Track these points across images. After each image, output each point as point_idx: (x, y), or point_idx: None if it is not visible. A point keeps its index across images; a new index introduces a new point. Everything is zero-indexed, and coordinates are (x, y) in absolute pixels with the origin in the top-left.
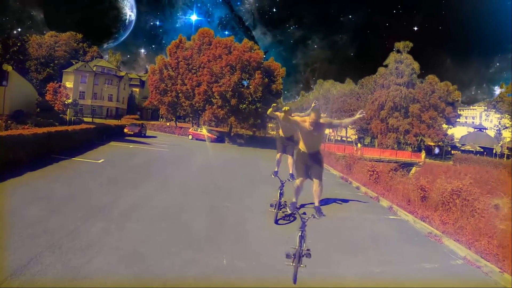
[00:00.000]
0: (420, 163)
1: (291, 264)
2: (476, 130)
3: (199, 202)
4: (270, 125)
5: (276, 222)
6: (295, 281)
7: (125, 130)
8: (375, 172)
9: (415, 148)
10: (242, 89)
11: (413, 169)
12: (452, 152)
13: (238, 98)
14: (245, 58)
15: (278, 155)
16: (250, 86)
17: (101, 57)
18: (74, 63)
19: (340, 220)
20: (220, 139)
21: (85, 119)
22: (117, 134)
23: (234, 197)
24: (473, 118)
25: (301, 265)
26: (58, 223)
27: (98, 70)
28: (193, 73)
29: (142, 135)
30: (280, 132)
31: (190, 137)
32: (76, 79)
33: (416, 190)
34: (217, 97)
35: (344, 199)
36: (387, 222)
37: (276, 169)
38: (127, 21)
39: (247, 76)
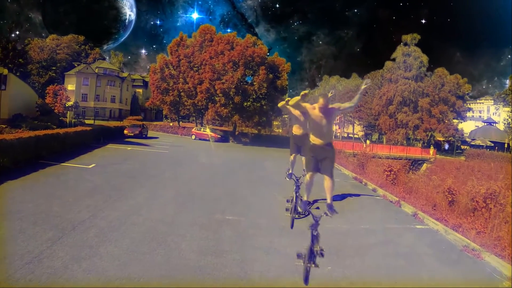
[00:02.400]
0: (431, 160)
1: (302, 263)
2: (485, 124)
3: (194, 218)
4: (275, 123)
5: (292, 226)
6: (306, 281)
7: (125, 131)
8: (392, 172)
9: (425, 144)
10: (246, 86)
11: (424, 166)
12: (462, 147)
13: (241, 95)
14: (248, 54)
15: (292, 157)
16: (254, 83)
17: (104, 59)
18: (76, 65)
19: (362, 234)
20: (224, 138)
21: (87, 121)
22: (116, 135)
23: (237, 208)
24: (480, 112)
25: (312, 265)
26: (19, 248)
27: (100, 72)
28: (194, 71)
29: (143, 136)
30: (294, 130)
31: (193, 137)
32: (78, 81)
33: (443, 193)
34: (220, 94)
35: (362, 205)
36: (415, 233)
37: (290, 171)
38: (126, 21)
39: (251, 72)
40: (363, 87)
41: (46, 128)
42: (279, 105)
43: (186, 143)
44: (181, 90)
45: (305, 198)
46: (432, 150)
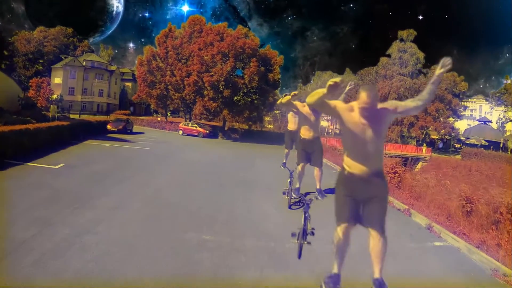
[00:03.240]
0: (427, 158)
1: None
2: (480, 123)
3: (162, 238)
4: (267, 118)
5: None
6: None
7: (108, 126)
8: (397, 174)
9: (420, 142)
10: (236, 79)
11: (419, 164)
12: (456, 145)
13: (231, 88)
14: (239, 45)
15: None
16: (245, 76)
17: (92, 52)
18: (63, 58)
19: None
20: (213, 134)
21: (72, 116)
22: (98, 131)
23: (218, 222)
24: (472, 110)
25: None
26: None
27: (88, 65)
28: (183, 63)
29: (128, 131)
30: (289, 126)
31: (181, 132)
32: (65, 74)
33: (459, 201)
34: (208, 88)
35: None
36: (434, 253)
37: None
38: (114, 13)
39: (242, 64)
40: (438, 72)
41: (25, 123)
42: (284, 101)
43: (172, 139)
44: (168, 83)
45: (297, 186)
46: (424, 148)
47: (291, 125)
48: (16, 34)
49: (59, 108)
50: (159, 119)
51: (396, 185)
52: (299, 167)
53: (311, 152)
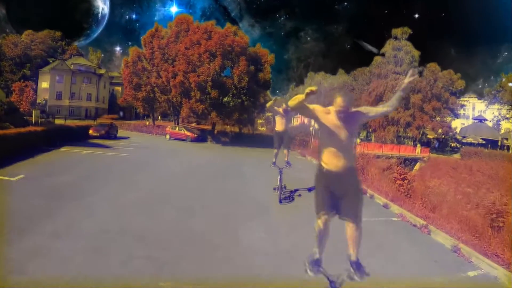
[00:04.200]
0: (425, 158)
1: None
2: (476, 121)
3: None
4: (259, 121)
5: (280, 201)
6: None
7: (90, 131)
8: (406, 181)
9: (416, 142)
10: (224, 79)
11: (417, 165)
12: (452, 144)
13: (219, 89)
14: (227, 43)
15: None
16: (234, 75)
17: (81, 55)
18: (51, 62)
19: None
20: (201, 138)
21: (57, 121)
22: (79, 136)
23: (193, 262)
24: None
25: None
26: None
27: (76, 68)
28: (169, 63)
29: (112, 136)
30: (277, 127)
31: (168, 136)
32: (52, 78)
33: (486, 214)
34: (194, 89)
35: (376, 235)
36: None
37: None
38: (99, 15)
39: (230, 63)
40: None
41: (1, 128)
42: (268, 105)
43: (157, 144)
44: (154, 85)
45: (316, 257)
46: (419, 148)
47: (279, 127)
48: (4, 38)
49: (44, 113)
50: (147, 123)
51: (406, 193)
52: (319, 222)
53: (341, 194)
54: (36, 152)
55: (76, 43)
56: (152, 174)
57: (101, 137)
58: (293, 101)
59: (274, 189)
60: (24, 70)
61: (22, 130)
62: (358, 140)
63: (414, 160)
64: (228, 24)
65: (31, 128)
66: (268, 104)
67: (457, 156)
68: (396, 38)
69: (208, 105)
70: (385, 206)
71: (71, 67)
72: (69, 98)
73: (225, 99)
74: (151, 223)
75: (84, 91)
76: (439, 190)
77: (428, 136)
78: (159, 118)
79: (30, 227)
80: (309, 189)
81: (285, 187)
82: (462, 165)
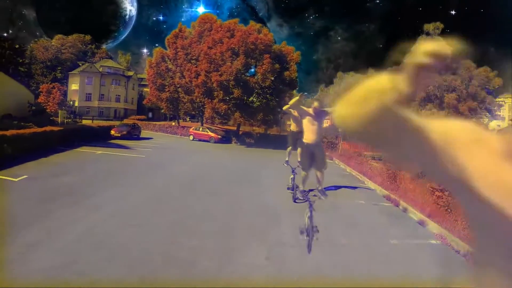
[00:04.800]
0: None
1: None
2: None
3: None
4: (288, 122)
5: (294, 200)
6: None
7: (112, 132)
8: (445, 193)
9: None
10: (248, 78)
11: None
12: None
13: (243, 88)
14: (250, 41)
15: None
16: (257, 74)
17: (111, 58)
18: (80, 64)
19: None
20: (225, 139)
21: (84, 121)
22: (100, 136)
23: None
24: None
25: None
26: None
27: (105, 71)
28: (192, 63)
29: (135, 136)
30: (292, 127)
31: (191, 137)
32: (82, 80)
33: None
34: (217, 88)
35: (415, 264)
36: None
37: (287, 159)
38: (127, 17)
39: (254, 62)
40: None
41: (20, 128)
42: (284, 108)
43: (179, 145)
44: (178, 86)
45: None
46: None
47: (293, 127)
48: (35, 42)
49: (73, 114)
50: (173, 124)
51: (446, 207)
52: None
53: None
54: (50, 152)
55: (104, 46)
56: (159, 178)
57: (122, 137)
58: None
59: (288, 188)
60: (55, 73)
61: (37, 130)
62: None
63: None
64: (251, 22)
65: (47, 128)
66: (285, 107)
67: None
68: (428, 33)
69: (232, 105)
70: (421, 223)
71: (100, 69)
72: (98, 99)
73: (249, 99)
74: (124, 243)
75: (113, 93)
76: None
77: None
78: (188, 119)
79: (9, 236)
80: (325, 189)
81: (297, 186)
82: None
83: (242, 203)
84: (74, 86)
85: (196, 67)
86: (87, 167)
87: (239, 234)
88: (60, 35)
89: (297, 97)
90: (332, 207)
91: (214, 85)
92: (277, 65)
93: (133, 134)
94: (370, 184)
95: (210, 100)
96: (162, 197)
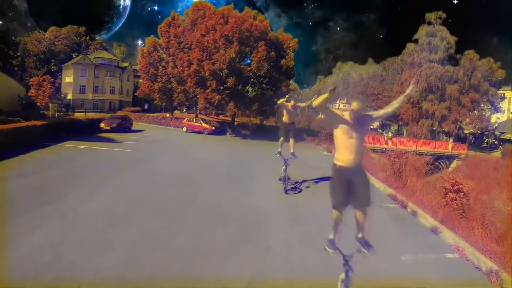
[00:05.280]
0: (462, 156)
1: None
2: None
3: None
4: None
5: (286, 192)
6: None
7: (101, 124)
8: (460, 194)
9: (452, 137)
10: (242, 66)
11: (454, 163)
12: (489, 141)
13: (237, 77)
14: (245, 28)
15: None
16: (252, 62)
17: (106, 50)
18: (74, 56)
19: None
20: (220, 130)
21: (77, 114)
22: (89, 130)
23: None
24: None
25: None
26: None
27: (99, 62)
28: (185, 52)
29: (125, 129)
30: (284, 118)
31: (185, 129)
32: (75, 72)
33: None
34: (210, 77)
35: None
36: None
37: (279, 150)
38: (120, 7)
39: (248, 50)
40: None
41: (6, 123)
42: (279, 101)
43: (170, 137)
44: (170, 76)
45: (279, 150)
46: (450, 144)
47: (286, 119)
48: (28, 35)
49: (62, 107)
50: (167, 115)
51: (460, 211)
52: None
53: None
54: (32, 148)
55: (98, 37)
56: (137, 176)
57: (112, 130)
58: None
59: (280, 179)
60: (50, 66)
61: (18, 125)
62: (390, 134)
63: (448, 158)
64: (246, 8)
65: (29, 123)
66: (279, 101)
67: (495, 154)
68: (430, 23)
69: (226, 95)
70: (434, 230)
71: (94, 61)
72: (93, 91)
73: (245, 88)
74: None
75: (107, 85)
76: (505, 211)
77: (465, 132)
78: (184, 110)
79: None
80: (316, 181)
81: (289, 178)
82: (505, 165)
83: (225, 207)
84: (68, 78)
85: (188, 55)
86: (62, 165)
87: (215, 255)
88: (54, 27)
89: (283, 99)
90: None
91: (207, 74)
92: (273, 53)
93: (124, 126)
94: (373, 180)
95: (203, 90)
96: (132, 202)
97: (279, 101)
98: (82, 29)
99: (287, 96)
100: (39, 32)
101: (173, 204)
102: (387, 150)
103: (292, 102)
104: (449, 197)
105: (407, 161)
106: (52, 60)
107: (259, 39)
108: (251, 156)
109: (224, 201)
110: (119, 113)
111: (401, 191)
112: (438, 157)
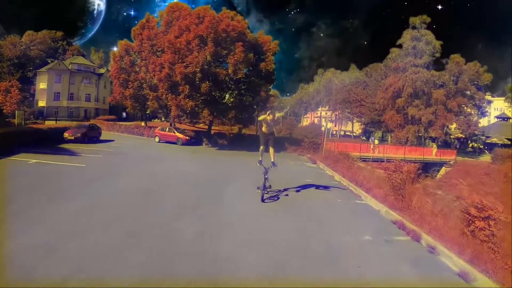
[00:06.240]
0: (451, 162)
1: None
2: (499, 119)
3: None
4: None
5: (263, 200)
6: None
7: (65, 134)
8: (489, 221)
9: (439, 143)
10: (218, 70)
11: (442, 170)
12: (474, 145)
13: (212, 82)
14: (221, 28)
15: (261, 147)
16: (229, 64)
17: (83, 55)
18: (50, 62)
19: None
20: (195, 140)
21: (48, 122)
22: (51, 140)
23: None
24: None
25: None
26: None
27: (74, 68)
28: (157, 56)
29: (94, 139)
30: (263, 129)
31: (157, 139)
32: (50, 79)
33: None
34: (182, 82)
35: None
36: None
37: (260, 158)
38: (95, 12)
39: (225, 52)
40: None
41: None
42: (260, 118)
43: (140, 148)
44: (142, 81)
45: (260, 158)
46: (434, 149)
47: (265, 129)
48: (5, 39)
49: (31, 115)
50: (142, 124)
51: (490, 244)
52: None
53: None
54: None
55: (75, 43)
56: (79, 200)
57: (76, 140)
58: (261, 117)
59: (258, 188)
60: (25, 72)
61: None
62: (377, 142)
63: (434, 165)
64: (224, 9)
65: None
66: (260, 118)
67: (483, 158)
68: (414, 27)
69: (200, 102)
70: (464, 276)
71: (69, 67)
72: (67, 99)
73: (220, 94)
74: None
75: (83, 92)
76: None
77: (452, 137)
78: (163, 118)
79: None
80: (297, 189)
81: (270, 186)
82: (496, 170)
83: (185, 246)
84: (42, 85)
85: (160, 59)
86: None
87: None
88: (30, 31)
89: (265, 115)
90: (329, 256)
91: (178, 78)
92: (251, 55)
93: (90, 136)
94: (370, 200)
95: (174, 96)
96: (61, 236)
97: (260, 118)
98: (59, 33)
99: (268, 112)
100: (15, 36)
101: (118, 241)
102: (376, 158)
103: (271, 116)
104: (477, 226)
105: (409, 178)
106: (28, 66)
107: (236, 41)
108: (225, 171)
109: (181, 239)
110: (91, 122)
111: (408, 215)
112: (426, 164)
